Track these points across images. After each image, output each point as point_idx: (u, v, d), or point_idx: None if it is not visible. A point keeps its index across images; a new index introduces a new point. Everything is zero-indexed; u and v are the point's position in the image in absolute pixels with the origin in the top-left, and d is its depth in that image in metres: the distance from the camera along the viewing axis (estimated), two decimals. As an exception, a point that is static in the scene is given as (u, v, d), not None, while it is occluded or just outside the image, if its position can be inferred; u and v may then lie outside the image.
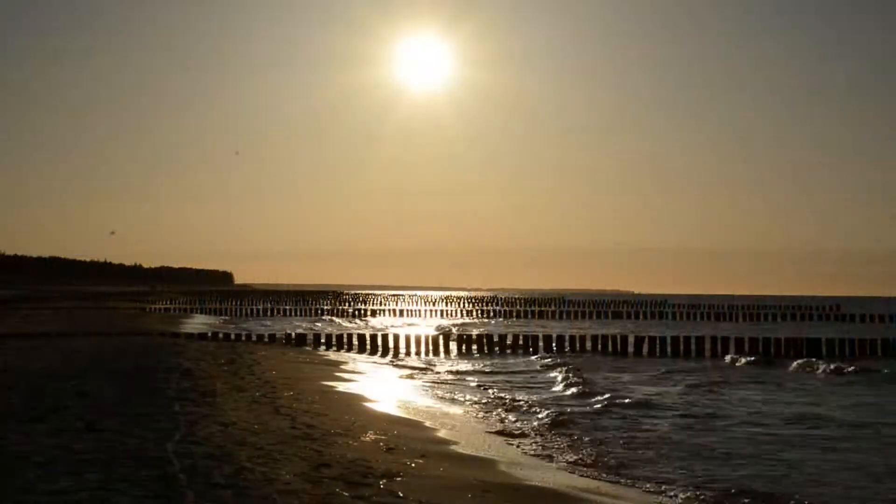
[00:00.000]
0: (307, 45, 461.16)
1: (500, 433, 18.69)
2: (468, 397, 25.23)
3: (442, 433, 17.72)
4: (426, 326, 67.95)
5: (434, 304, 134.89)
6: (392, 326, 70.81)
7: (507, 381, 30.33)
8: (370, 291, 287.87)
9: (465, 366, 36.52)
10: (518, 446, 17.20)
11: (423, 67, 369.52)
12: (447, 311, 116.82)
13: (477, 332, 49.69)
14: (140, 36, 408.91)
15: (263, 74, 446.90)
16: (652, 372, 34.43)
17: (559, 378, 30.70)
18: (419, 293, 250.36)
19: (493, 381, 30.07)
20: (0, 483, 9.66)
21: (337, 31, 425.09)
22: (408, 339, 43.95)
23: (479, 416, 21.47)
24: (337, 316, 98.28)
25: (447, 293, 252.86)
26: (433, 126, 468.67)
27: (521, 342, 45.12)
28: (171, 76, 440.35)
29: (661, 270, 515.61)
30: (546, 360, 38.18)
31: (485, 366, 36.59)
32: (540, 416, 21.33)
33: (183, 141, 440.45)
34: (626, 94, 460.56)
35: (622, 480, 14.33)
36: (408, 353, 42.10)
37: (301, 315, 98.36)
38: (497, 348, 44.37)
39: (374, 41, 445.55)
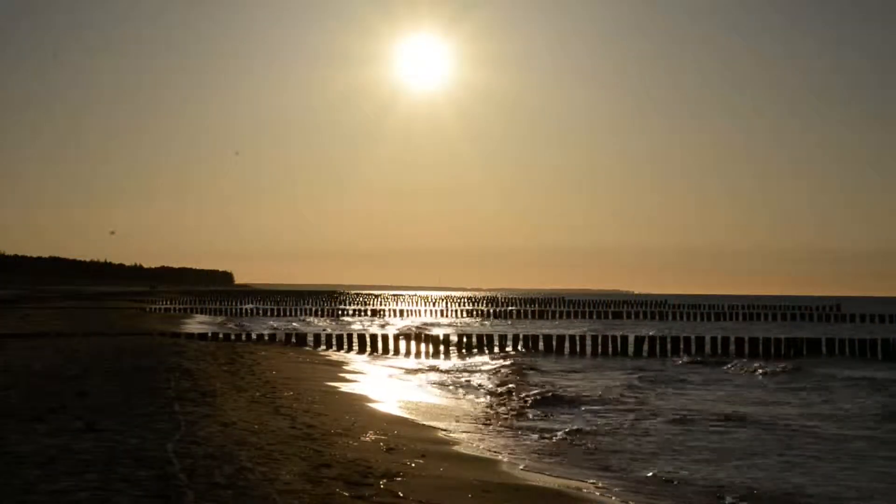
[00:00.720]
0: (307, 45, 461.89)
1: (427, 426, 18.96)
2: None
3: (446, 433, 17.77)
4: (394, 328, 68.19)
5: (433, 304, 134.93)
6: (370, 326, 71.15)
7: (453, 378, 30.89)
8: (370, 291, 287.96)
9: (429, 363, 37.46)
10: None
11: (423, 67, 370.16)
12: (445, 310, 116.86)
13: (444, 334, 49.91)
14: (140, 36, 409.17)
15: (263, 74, 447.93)
16: (611, 371, 35.03)
17: (499, 374, 31.82)
18: (419, 293, 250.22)
19: (434, 380, 30.31)
20: (0, 483, 9.66)
21: (337, 31, 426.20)
22: (407, 338, 44.47)
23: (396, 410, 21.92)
24: (313, 315, 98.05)
25: (447, 293, 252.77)
26: (433, 126, 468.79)
27: (484, 341, 45.76)
28: (171, 76, 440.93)
29: (661, 270, 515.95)
30: (499, 360, 38.78)
31: (454, 366, 36.81)
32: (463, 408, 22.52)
33: (182, 141, 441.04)
34: (626, 94, 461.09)
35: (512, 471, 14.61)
36: (408, 354, 42.41)
37: (291, 315, 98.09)
38: (465, 349, 44.77)
39: (374, 41, 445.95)
